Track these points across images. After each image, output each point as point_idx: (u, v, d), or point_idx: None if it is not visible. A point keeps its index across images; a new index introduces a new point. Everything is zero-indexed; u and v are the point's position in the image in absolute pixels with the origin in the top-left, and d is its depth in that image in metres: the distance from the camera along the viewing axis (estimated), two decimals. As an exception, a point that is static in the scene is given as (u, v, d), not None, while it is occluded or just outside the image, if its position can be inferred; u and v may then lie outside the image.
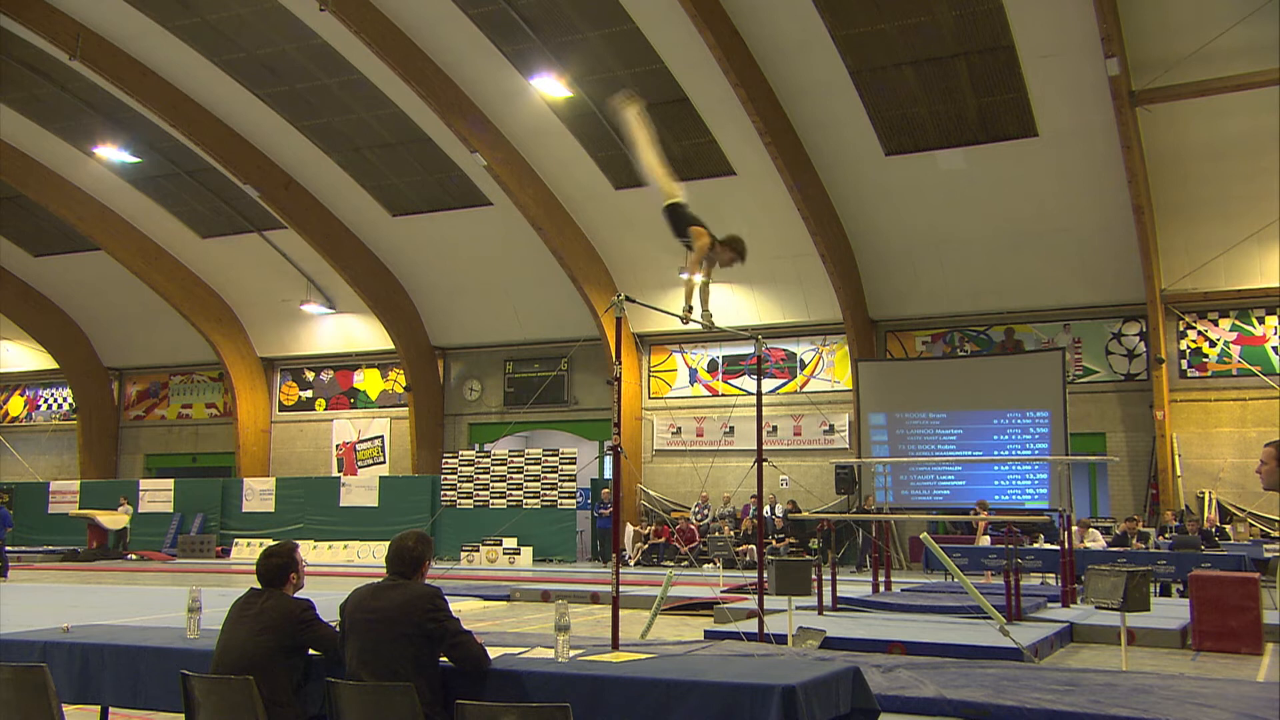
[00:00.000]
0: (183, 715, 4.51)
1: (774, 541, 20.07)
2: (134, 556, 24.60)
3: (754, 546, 19.18)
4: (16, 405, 31.98)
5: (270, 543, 5.17)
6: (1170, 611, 11.47)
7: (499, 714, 3.92)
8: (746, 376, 22.86)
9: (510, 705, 3.97)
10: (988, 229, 20.13)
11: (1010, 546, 11.67)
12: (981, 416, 19.91)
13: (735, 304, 22.53)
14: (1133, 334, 20.25)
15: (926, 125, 19.10)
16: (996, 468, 19.71)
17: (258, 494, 26.08)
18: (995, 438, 19.63)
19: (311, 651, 4.64)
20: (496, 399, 25.73)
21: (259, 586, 4.75)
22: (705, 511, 22.33)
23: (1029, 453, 19.07)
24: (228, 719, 4.38)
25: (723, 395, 23.24)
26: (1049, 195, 19.34)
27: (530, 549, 22.36)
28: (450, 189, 23.06)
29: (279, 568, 4.78)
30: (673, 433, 23.70)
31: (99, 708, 5.42)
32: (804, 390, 22.58)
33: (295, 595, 4.75)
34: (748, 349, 22.53)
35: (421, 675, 4.21)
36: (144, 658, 5.16)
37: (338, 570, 19.84)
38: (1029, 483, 19.51)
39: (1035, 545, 16.51)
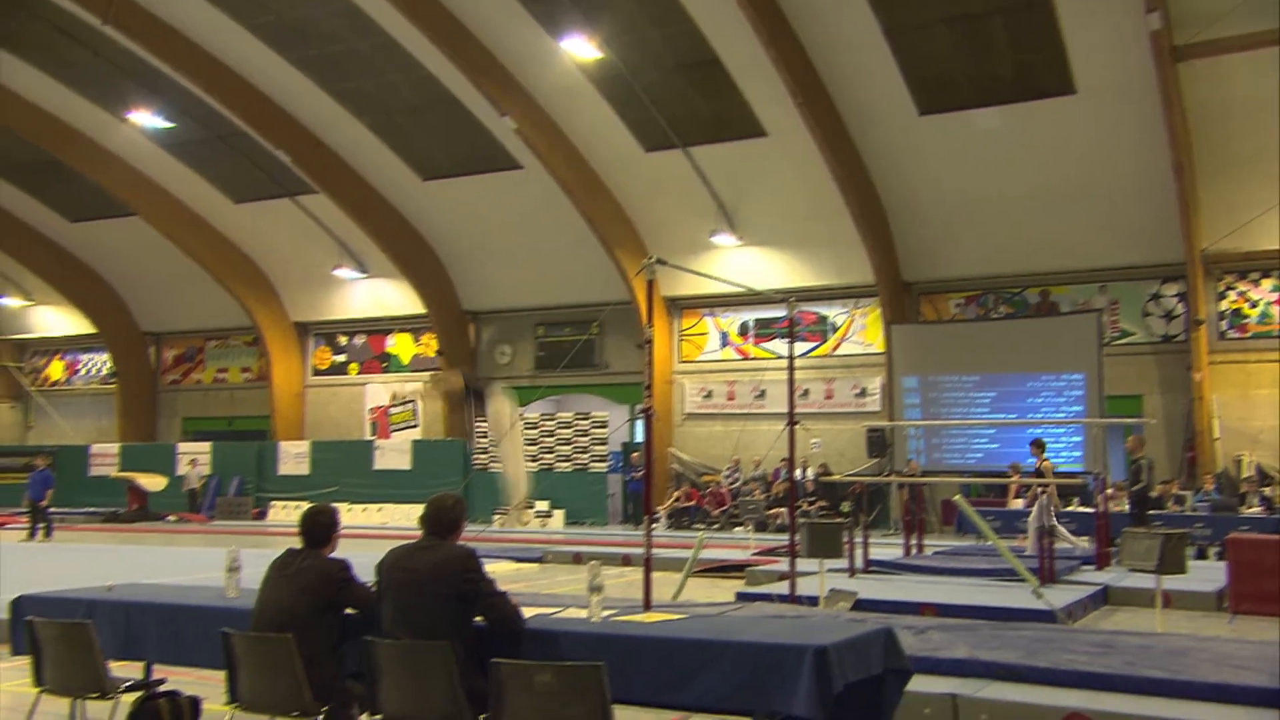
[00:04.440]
0: (224, 672, 4.60)
1: (805, 505, 20.08)
2: (173, 518, 25.03)
3: (785, 510, 19.21)
4: (57, 369, 32.49)
5: (307, 505, 5.24)
6: (1207, 575, 11.38)
7: (534, 672, 3.96)
8: (778, 340, 22.77)
9: (545, 664, 4.01)
10: (1023, 189, 19.84)
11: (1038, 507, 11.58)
12: (1016, 379, 19.76)
13: (767, 267, 22.40)
14: (1171, 295, 19.95)
15: (961, 84, 18.80)
16: (1030, 430, 19.58)
17: (293, 457, 26.40)
18: (1029, 400, 19.49)
19: (348, 611, 4.71)
20: (528, 363, 25.80)
21: (296, 547, 4.81)
22: (736, 475, 22.36)
23: (1063, 415, 18.92)
24: (268, 675, 4.47)
25: (754, 359, 23.17)
26: (1086, 154, 19.02)
27: (563, 511, 22.51)
28: (480, 152, 23.02)
29: (325, 528, 4.84)
30: (704, 396, 23.69)
31: (143, 663, 5.53)
32: (836, 353, 22.47)
33: (332, 556, 4.81)
34: (779, 312, 22.42)
35: (457, 634, 4.26)
36: (185, 616, 5.26)
37: (372, 532, 20.09)
38: (1063, 445, 19.37)
39: (1070, 509, 16.42)
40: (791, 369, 9.50)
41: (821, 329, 22.62)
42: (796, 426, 9.45)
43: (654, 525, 7.39)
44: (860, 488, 16.58)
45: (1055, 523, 13.15)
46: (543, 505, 22.52)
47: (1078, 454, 19.06)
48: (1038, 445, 13.91)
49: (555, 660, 4.11)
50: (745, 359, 23.39)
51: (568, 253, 23.84)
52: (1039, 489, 12.52)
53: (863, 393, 22.09)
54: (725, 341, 23.67)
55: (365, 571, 4.83)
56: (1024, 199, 19.94)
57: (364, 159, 24.06)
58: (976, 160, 19.72)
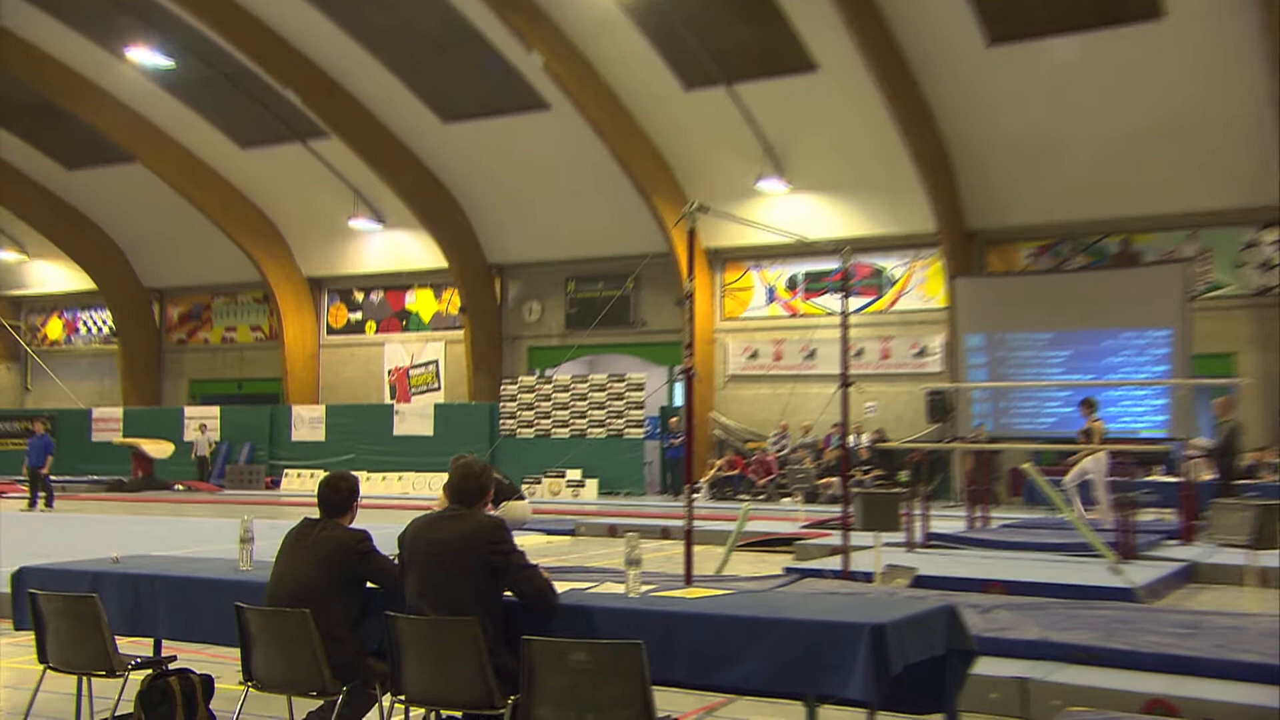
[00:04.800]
0: (238, 649, 4.67)
1: (859, 473, 20.05)
2: (180, 487, 25.46)
3: (837, 479, 19.19)
4: (55, 328, 33.01)
5: (322, 473, 5.28)
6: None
7: (568, 650, 3.98)
8: (830, 294, 22.64)
9: (579, 641, 4.03)
10: (1104, 125, 19.47)
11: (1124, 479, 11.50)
12: (1092, 336, 19.53)
13: (818, 214, 22.22)
14: (1269, 242, 19.57)
15: (1035, 9, 18.42)
16: (1109, 392, 19.38)
17: (307, 422, 26.73)
18: (1107, 360, 19.28)
19: (369, 584, 4.76)
20: (558, 320, 25.86)
21: (313, 517, 4.86)
22: (784, 441, 22.36)
23: (1145, 376, 18.71)
24: (284, 652, 4.53)
25: (803, 315, 23.07)
26: (1176, 86, 18.60)
27: (596, 481, 22.65)
28: (505, 92, 22.94)
29: (345, 496, 4.89)
30: (749, 356, 23.65)
31: (152, 640, 5.63)
32: (893, 309, 22.32)
33: (351, 526, 4.86)
34: (832, 264, 22.27)
35: (485, 610, 4.29)
36: (196, 589, 5.34)
37: (392, 503, 20.33)
38: (1145, 409, 19.16)
39: (1152, 478, 16.27)
40: (845, 326, 9.44)
41: (878, 282, 22.45)
42: (850, 389, 9.41)
43: (695, 496, 7.41)
44: (920, 455, 16.51)
45: (1077, 493, 13.24)
46: (575, 474, 22.66)
47: (1161, 418, 18.84)
48: (1087, 404, 13.84)
49: (590, 638, 4.13)
50: (794, 316, 23.28)
51: (601, 201, 23.76)
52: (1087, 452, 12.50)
53: (922, 352, 21.95)
54: (772, 297, 23.57)
55: (386, 544, 4.86)
56: (1104, 137, 19.58)
57: (380, 100, 24.07)
58: (1051, 94, 19.36)
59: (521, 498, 10.00)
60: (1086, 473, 13.34)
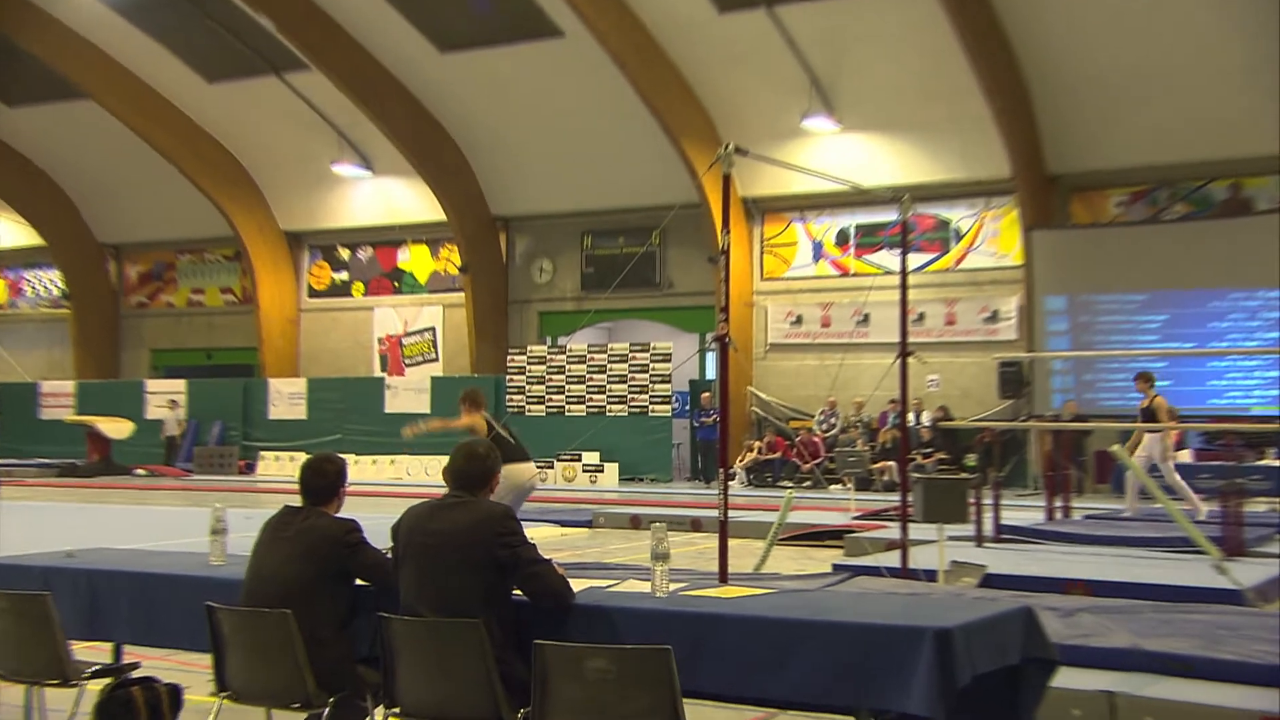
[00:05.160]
0: (209, 655, 4.71)
1: (920, 457, 20.01)
2: (142, 472, 25.68)
3: (894, 463, 19.16)
4: (-1, 291, 33.28)
5: (305, 456, 5.31)
6: None
7: (585, 656, 3.99)
8: (886, 250, 22.54)
9: (599, 646, 4.03)
10: (1210, 52, 19.20)
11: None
12: (1194, 298, 19.39)
13: (873, 158, 22.08)
14: (1403, 188, 19.34)
15: (1129, -84, 18.17)
16: (1213, 363, 19.24)
17: (286, 398, 26.90)
18: (1212, 325, 19.15)
19: (359, 581, 4.79)
20: (572, 281, 25.85)
21: (294, 505, 4.89)
22: (833, 420, 22.33)
23: (1257, 343, 18.57)
24: (262, 659, 4.57)
25: (855, 275, 22.98)
26: (1293, 7, 18.32)
27: (616, 465, 22.71)
28: (511, 17, 22.84)
29: (331, 480, 4.91)
30: (792, 322, 23.60)
31: (111, 645, 5.69)
32: (960, 267, 22.21)
33: (338, 515, 4.88)
34: (889, 215, 22.13)
35: (491, 610, 4.30)
36: (162, 587, 5.38)
37: (384, 489, 20.45)
38: (1256, 382, 19.04)
39: (1263, 462, 16.20)
40: (904, 287, 9.39)
41: (942, 236, 22.32)
42: (909, 359, 9.37)
43: (730, 482, 7.41)
44: (990, 436, 16.48)
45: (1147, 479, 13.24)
46: (592, 458, 22.72)
47: (1274, 393, 18.71)
48: (1144, 378, 13.80)
49: (611, 643, 4.14)
50: (845, 275, 23.20)
51: (622, 143, 23.68)
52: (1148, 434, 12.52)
53: (994, 316, 21.85)
54: (820, 253, 23.48)
55: (378, 536, 4.88)
56: (1209, 66, 19.32)
57: (368, 26, 24.02)
58: (1149, 15, 19.12)
59: (528, 459, 10.30)
60: (1151, 458, 13.33)
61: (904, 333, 9.29)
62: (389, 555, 4.67)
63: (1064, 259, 20.46)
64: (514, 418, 23.62)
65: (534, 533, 10.68)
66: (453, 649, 4.23)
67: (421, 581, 4.42)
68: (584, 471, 22.68)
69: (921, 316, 21.97)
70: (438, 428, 11.14)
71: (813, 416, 22.67)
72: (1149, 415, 13.57)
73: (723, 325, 7.24)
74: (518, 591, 4.47)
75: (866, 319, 22.41)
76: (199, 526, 6.03)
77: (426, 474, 23.11)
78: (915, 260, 21.64)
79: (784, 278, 23.80)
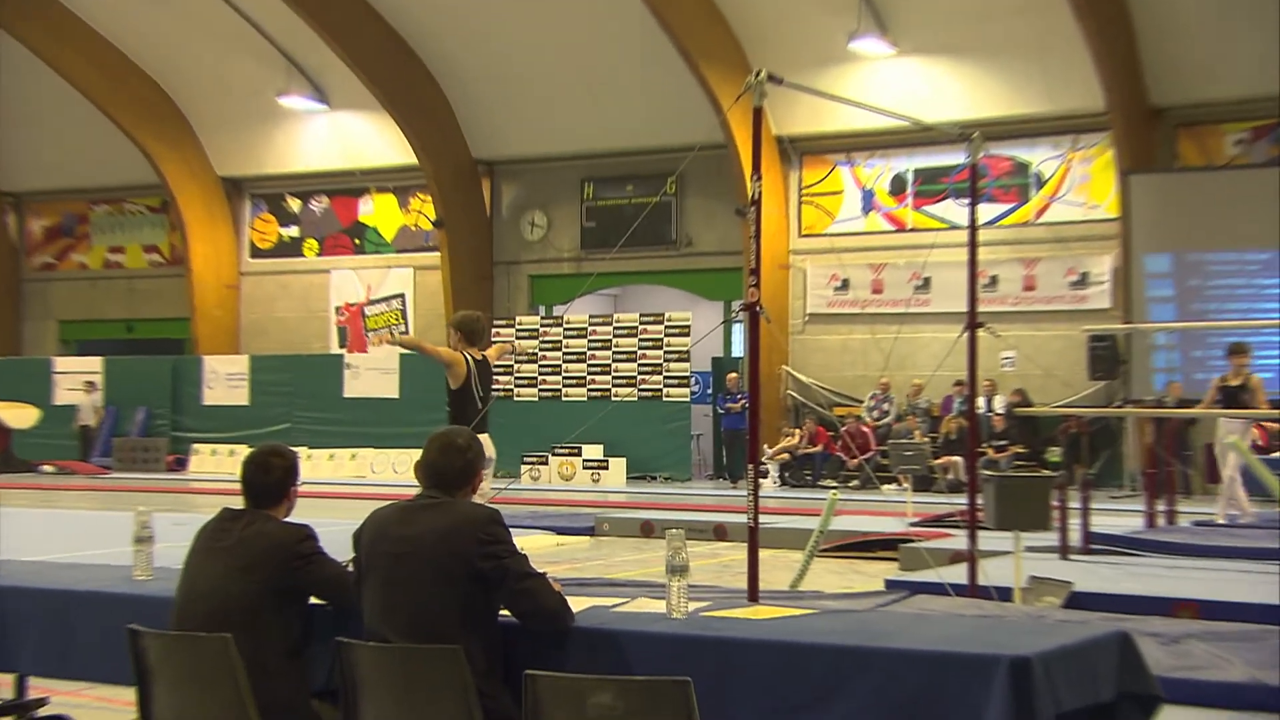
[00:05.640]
0: (133, 689, 4.69)
1: (991, 450, 20.00)
2: (50, 468, 25.73)
3: (960, 458, 19.13)
4: (-122, 251, 33.31)
5: (247, 450, 5.30)
6: None
7: (587, 690, 3.98)
8: (952, 200, 22.47)
9: (603, 678, 4.01)
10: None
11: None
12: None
13: (936, 87, 22.01)
14: None
15: None
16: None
17: (223, 379, 26.91)
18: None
19: (314, 600, 4.80)
20: (570, 238, 25.84)
21: (235, 508, 4.89)
22: (886, 406, 22.32)
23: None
24: (197, 692, 4.56)
25: (914, 230, 22.94)
26: None
27: (623, 461, 22.73)
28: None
29: (279, 478, 4.90)
30: (836, 288, 23.57)
31: (14, 676, 5.70)
32: (1042, 220, 22.15)
33: (288, 520, 4.89)
34: (955, 157, 22.02)
35: (473, 634, 4.30)
36: (75, 608, 5.38)
37: (343, 490, 20.48)
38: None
39: None
40: (973, 244, 9.35)
41: (1020, 183, 22.26)
42: (979, 332, 9.34)
43: (761, 481, 7.41)
44: (1077, 425, 16.39)
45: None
46: (594, 452, 22.74)
47: None
48: (1239, 351, 13.71)
49: (619, 673, 4.13)
50: (901, 230, 23.17)
51: (630, 71, 23.64)
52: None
53: (1083, 280, 21.80)
54: (870, 204, 23.43)
55: (338, 546, 4.88)
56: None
57: (320, -72, 23.97)
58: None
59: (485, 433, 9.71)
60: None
61: (973, 300, 9.25)
62: (350, 568, 4.68)
63: (1169, 209, 20.36)
64: (500, 403, 23.62)
65: (525, 542, 10.65)
66: (426, 680, 4.23)
67: (389, 600, 4.42)
68: (585, 468, 22.71)
69: (994, 280, 21.91)
70: (410, 343, 10.84)
71: (861, 402, 22.65)
72: (1235, 397, 13.44)
73: (752, 291, 7.21)
74: (505, 612, 4.47)
75: (927, 284, 22.35)
76: (120, 534, 6.04)
77: (395, 471, 23.14)
78: (987, 212, 21.59)
79: (827, 234, 23.73)
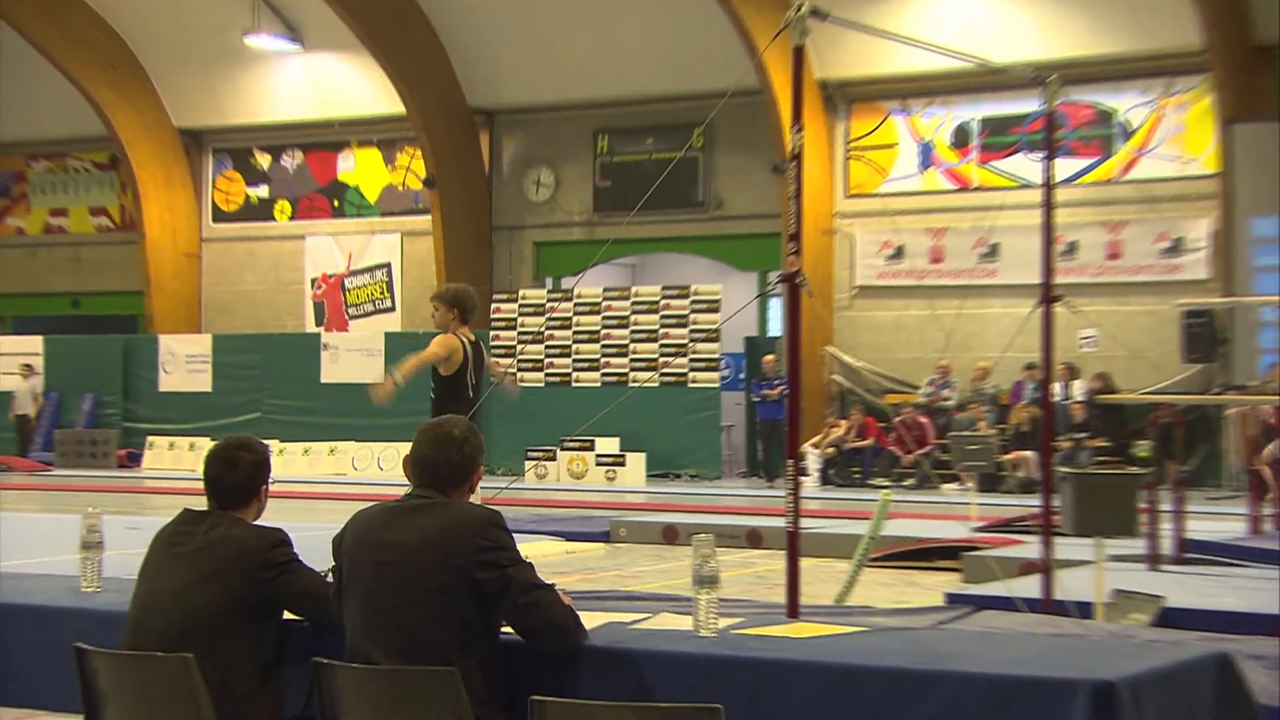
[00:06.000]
0: (80, 717, 4.72)
1: (1070, 444, 19.95)
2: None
3: (1033, 453, 19.11)
4: None
5: (210, 443, 5.31)
6: None
7: (602, 718, 4.02)
8: (1024, 154, 22.41)
9: (621, 705, 4.02)
10: None
11: None
12: None
13: (1006, 22, 21.97)
14: None
15: None
16: None
17: (182, 362, 26.95)
18: None
19: (289, 615, 4.81)
20: (581, 199, 25.83)
21: (197, 509, 4.90)
22: (946, 393, 22.29)
23: None
24: (153, 718, 4.60)
25: (980, 189, 22.90)
26: None
27: (643, 456, 22.76)
28: None
29: (250, 471, 4.90)
30: (889, 256, 23.55)
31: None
32: (1129, 177, 22.12)
33: (258, 523, 4.90)
34: (1028, 104, 21.99)
35: (470, 654, 4.29)
36: (15, 623, 5.40)
37: (321, 490, 20.51)
38: None
39: None
40: (1049, 205, 9.32)
41: (1104, 134, 22.20)
42: (1056, 307, 9.32)
43: (802, 479, 7.41)
44: (1170, 415, 16.42)
45: None
46: (609, 445, 22.73)
47: None
48: None
49: (640, 699, 4.14)
50: (965, 189, 23.13)
51: (651, 5, 23.59)
52: None
53: (1176, 247, 21.75)
54: (929, 159, 23.39)
55: (316, 554, 4.89)
56: None
57: None
58: None
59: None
60: None
61: (1048, 270, 9.23)
62: (329, 579, 4.69)
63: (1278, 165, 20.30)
64: (502, 389, 23.65)
65: (531, 549, 10.69)
66: (417, 707, 4.23)
67: (374, 615, 4.43)
68: (598, 465, 22.74)
69: (1073, 247, 21.86)
70: (413, 369, 10.34)
71: (918, 388, 22.64)
72: None
73: (792, 260, 7.20)
74: (508, 629, 4.48)
75: (994, 251, 22.32)
76: (65, 540, 6.06)
77: (380, 467, 23.20)
78: (1064, 168, 21.51)
79: (878, 193, 23.71)
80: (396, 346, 25.06)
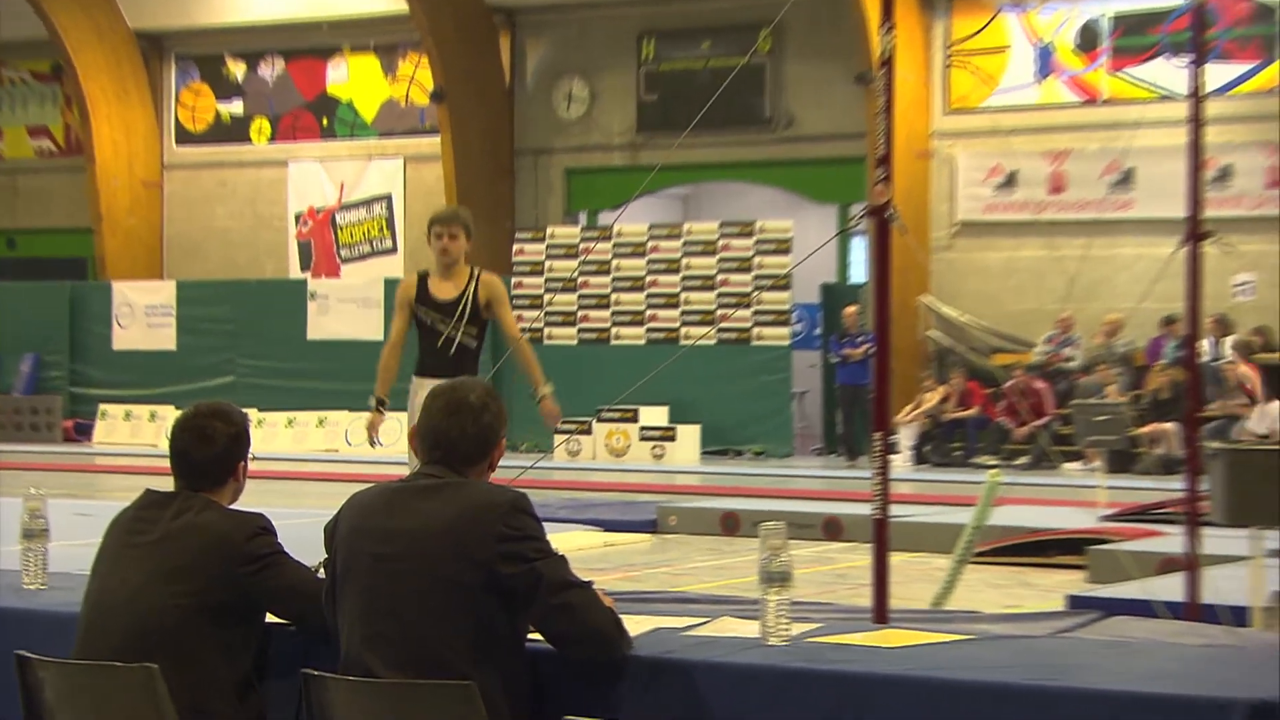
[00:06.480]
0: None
1: (1220, 413, 19.90)
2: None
3: (1173, 425, 19.08)
4: None
5: (177, 412, 5.33)
6: None
7: (651, 743, 4.04)
8: (1165, 60, 22.31)
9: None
10: None
11: None
12: None
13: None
14: None
15: None
16: None
17: (141, 314, 27.10)
18: None
19: (272, 618, 4.84)
20: (623, 117, 25.87)
21: (161, 490, 4.93)
22: (1069, 351, 22.23)
23: None
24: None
25: (1110, 102, 22.84)
26: None
27: (697, 429, 22.82)
28: None
29: (226, 444, 4.91)
30: (998, 185, 23.52)
31: None
32: (1292, 89, 22.01)
33: (235, 508, 4.92)
34: (1167, 1, 21.95)
35: (490, 665, 4.29)
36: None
37: (309, 469, 20.64)
38: None
39: None
40: (1196, 122, 9.27)
41: (1264, 32, 22.12)
42: (1205, 246, 9.28)
43: (892, 457, 7.40)
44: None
45: None
46: (656, 416, 22.75)
47: None
48: None
49: (694, 718, 4.16)
50: (1092, 103, 23.09)
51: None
52: None
53: (1351, 175, 21.68)
54: (1049, 66, 23.35)
55: (305, 545, 4.91)
56: None
57: None
58: None
59: None
60: None
61: (1195, 202, 9.19)
62: (321, 575, 4.71)
63: None
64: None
65: (563, 541, 10.76)
66: (427, 726, 4.28)
67: (375, 618, 4.43)
68: (643, 440, 22.81)
69: (1226, 173, 21.77)
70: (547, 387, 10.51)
71: (1033, 346, 22.60)
72: None
73: (880, 190, 7.19)
74: (535, 635, 4.50)
75: (1129, 178, 22.27)
76: (3, 527, 6.10)
77: (379, 442, 23.26)
78: (1216, 75, 21.41)
79: (985, 108, 23.68)
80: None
